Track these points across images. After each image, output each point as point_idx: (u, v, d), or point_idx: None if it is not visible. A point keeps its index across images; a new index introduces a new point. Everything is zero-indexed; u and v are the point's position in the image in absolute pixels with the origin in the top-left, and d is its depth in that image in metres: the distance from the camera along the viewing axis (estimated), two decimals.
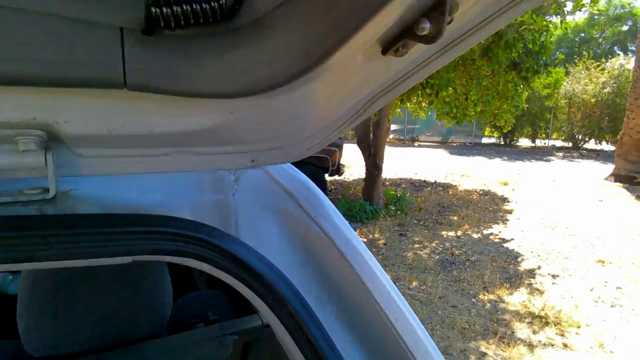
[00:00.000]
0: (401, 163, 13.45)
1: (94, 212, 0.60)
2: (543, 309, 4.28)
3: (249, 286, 0.66)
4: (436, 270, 5.48)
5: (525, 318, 4.25)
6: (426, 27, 0.44)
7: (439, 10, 0.44)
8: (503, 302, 4.63)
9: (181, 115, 0.53)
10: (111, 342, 0.79)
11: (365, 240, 6.64)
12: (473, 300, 4.75)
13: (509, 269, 5.46)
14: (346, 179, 10.73)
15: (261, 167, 0.80)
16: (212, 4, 0.39)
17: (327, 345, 0.65)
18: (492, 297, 4.75)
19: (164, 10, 0.38)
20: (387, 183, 10.26)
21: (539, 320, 4.18)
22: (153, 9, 0.38)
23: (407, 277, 5.26)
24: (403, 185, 10.34)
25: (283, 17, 0.42)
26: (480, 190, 10.08)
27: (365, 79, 0.56)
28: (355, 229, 6.99)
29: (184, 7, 0.38)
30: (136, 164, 0.63)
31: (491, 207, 8.52)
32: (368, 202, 7.79)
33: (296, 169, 0.82)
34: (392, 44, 0.49)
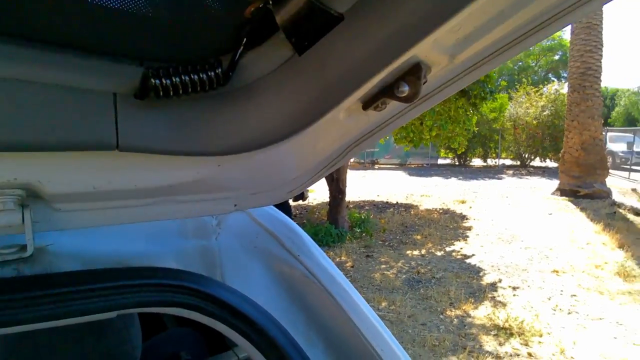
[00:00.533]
0: (363, 186, 13.69)
1: (74, 268, 0.59)
2: (507, 321, 4.44)
3: (240, 332, 0.66)
4: (404, 290, 5.55)
5: (491, 331, 4.39)
6: (405, 90, 0.48)
7: (415, 75, 0.49)
8: (469, 316, 4.76)
9: (169, 170, 0.54)
10: None
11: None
12: (441, 316, 4.84)
13: (473, 284, 5.64)
14: (310, 204, 10.75)
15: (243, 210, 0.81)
16: (208, 74, 0.41)
17: None
18: (458, 312, 4.87)
19: (163, 81, 0.40)
20: (351, 206, 10.38)
21: (504, 331, 4.33)
22: (152, 81, 0.39)
23: (376, 297, 5.28)
24: (366, 208, 10.50)
25: (274, 83, 0.45)
26: (440, 209, 10.42)
27: (345, 131, 0.60)
28: None
29: (182, 77, 0.40)
30: (118, 215, 0.62)
31: (451, 225, 8.82)
32: (333, 226, 7.83)
33: (276, 210, 0.84)
34: (373, 101, 0.53)
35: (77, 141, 0.44)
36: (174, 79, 0.40)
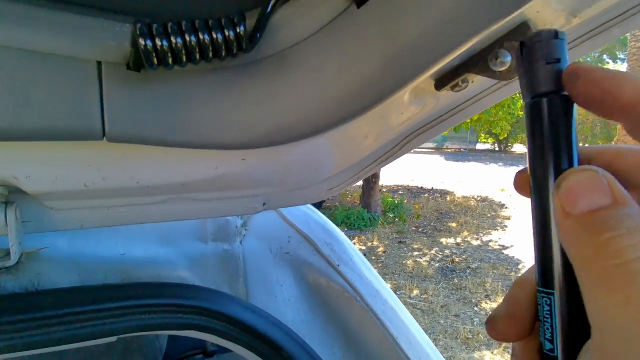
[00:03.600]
0: (397, 170, 13.36)
1: (68, 278, 0.49)
2: None
3: (263, 357, 0.55)
4: (437, 279, 5.39)
5: None
6: (506, 61, 0.33)
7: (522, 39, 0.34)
8: None
9: (180, 165, 0.42)
10: None
11: (364, 248, 6.54)
12: (476, 309, 4.66)
13: (511, 277, 5.37)
14: None
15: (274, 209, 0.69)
16: (226, 35, 0.28)
17: None
18: (495, 305, 4.66)
19: (158, 43, 0.27)
20: (385, 190, 10.17)
21: None
22: (142, 41, 0.26)
23: (408, 285, 5.17)
24: (400, 192, 10.25)
25: (319, 51, 0.31)
26: (477, 196, 10.01)
27: (407, 117, 0.46)
28: (354, 237, 6.89)
29: (188, 38, 0.27)
30: (122, 214, 0.51)
31: (489, 213, 8.45)
32: (366, 210, 7.68)
33: (314, 209, 0.71)
34: (452, 78, 0.38)
35: (52, 129, 0.32)
36: (174, 41, 0.27)
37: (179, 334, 0.51)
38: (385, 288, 0.65)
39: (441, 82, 0.40)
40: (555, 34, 0.23)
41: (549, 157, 0.22)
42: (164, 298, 0.47)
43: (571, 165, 0.22)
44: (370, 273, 0.66)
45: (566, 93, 0.23)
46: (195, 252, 0.60)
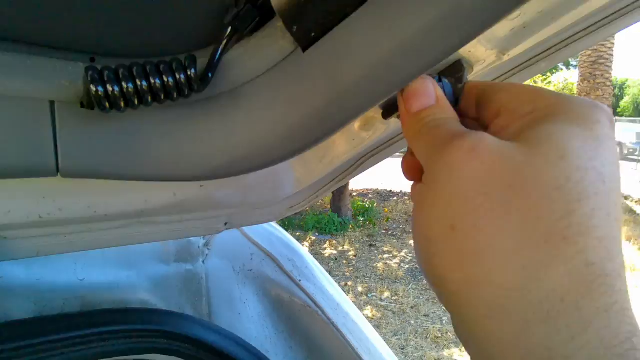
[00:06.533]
0: (366, 174, 13.55)
1: (25, 308, 0.48)
2: None
3: None
4: (407, 280, 5.49)
5: None
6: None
7: (455, 76, 0.37)
8: None
9: (137, 194, 0.43)
10: None
11: (335, 252, 6.58)
12: (444, 308, 4.78)
13: None
14: None
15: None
16: (178, 76, 0.29)
17: None
18: None
19: (109, 88, 0.28)
20: (355, 194, 10.28)
21: None
22: (93, 87, 0.27)
23: (379, 287, 5.24)
24: (370, 196, 10.39)
25: (269, 88, 0.33)
26: None
27: (359, 141, 0.48)
28: (325, 242, 6.92)
29: (139, 82, 0.28)
30: (79, 241, 0.51)
31: None
32: (336, 214, 7.74)
33: (275, 226, 0.73)
34: (397, 108, 0.41)
35: (4, 166, 0.33)
36: (125, 85, 0.28)
37: (143, 358, 0.51)
38: (346, 301, 0.67)
39: (388, 111, 0.43)
40: (439, 78, 0.34)
41: None
42: (124, 324, 0.47)
43: None
44: (332, 286, 0.68)
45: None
46: (157, 274, 0.60)
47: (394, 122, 0.50)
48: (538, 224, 0.22)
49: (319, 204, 9.20)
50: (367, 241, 7.00)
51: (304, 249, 0.72)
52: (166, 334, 0.50)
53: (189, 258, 0.64)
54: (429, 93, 0.30)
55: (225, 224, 0.61)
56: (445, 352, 3.97)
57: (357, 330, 0.65)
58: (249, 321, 0.64)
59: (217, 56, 0.31)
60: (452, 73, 0.38)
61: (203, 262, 0.64)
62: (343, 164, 0.56)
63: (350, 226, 7.56)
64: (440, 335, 4.23)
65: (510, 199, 0.23)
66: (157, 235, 0.55)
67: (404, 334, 4.25)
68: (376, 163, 0.59)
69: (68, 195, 0.40)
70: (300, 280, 0.66)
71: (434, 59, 0.32)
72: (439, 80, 0.34)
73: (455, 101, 0.36)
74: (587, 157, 0.23)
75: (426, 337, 4.22)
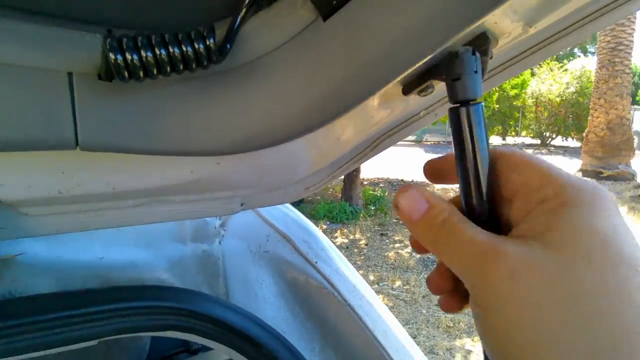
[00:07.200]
0: (378, 163, 13.47)
1: (45, 284, 0.49)
2: None
3: (244, 354, 0.56)
4: (418, 269, 5.49)
5: None
6: None
7: (480, 49, 0.36)
8: None
9: (155, 170, 0.43)
10: None
11: (347, 241, 6.59)
12: None
13: None
14: None
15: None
16: (196, 47, 0.29)
17: None
18: None
19: (128, 57, 0.27)
20: (366, 183, 10.25)
21: None
22: (112, 56, 0.27)
23: (390, 277, 5.25)
24: (381, 185, 10.35)
25: (288, 61, 0.32)
26: (457, 187, 10.19)
27: (377, 120, 0.47)
28: (336, 230, 6.93)
29: (158, 51, 0.28)
30: (99, 218, 0.52)
31: None
32: (348, 203, 7.74)
33: (291, 207, 0.72)
34: (418, 84, 0.40)
35: (24, 139, 0.33)
36: (144, 54, 0.28)
37: (159, 334, 0.52)
38: (361, 282, 0.67)
39: (408, 87, 0.42)
40: (473, 51, 0.27)
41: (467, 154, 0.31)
42: (143, 300, 0.48)
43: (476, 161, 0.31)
44: (347, 268, 0.68)
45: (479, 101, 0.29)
46: (174, 254, 0.61)
47: (413, 100, 0.49)
48: (599, 332, 0.23)
49: (330, 192, 9.20)
50: (378, 230, 6.99)
51: (319, 231, 0.71)
52: (184, 311, 0.51)
53: (205, 239, 0.64)
54: (418, 198, 0.31)
55: (242, 204, 0.61)
56: (457, 342, 3.97)
57: (373, 313, 0.65)
58: (264, 302, 0.64)
59: (236, 26, 0.30)
60: (477, 45, 0.37)
61: (219, 242, 0.65)
62: (359, 145, 0.55)
63: (362, 215, 7.56)
64: (452, 325, 4.23)
65: (562, 310, 0.24)
66: (174, 214, 0.56)
67: (416, 323, 4.26)
68: (391, 144, 0.58)
69: (87, 171, 0.40)
70: (316, 262, 0.66)
71: (459, 27, 0.31)
72: (473, 53, 0.32)
73: (481, 73, 0.35)
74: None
75: (438, 327, 4.22)
